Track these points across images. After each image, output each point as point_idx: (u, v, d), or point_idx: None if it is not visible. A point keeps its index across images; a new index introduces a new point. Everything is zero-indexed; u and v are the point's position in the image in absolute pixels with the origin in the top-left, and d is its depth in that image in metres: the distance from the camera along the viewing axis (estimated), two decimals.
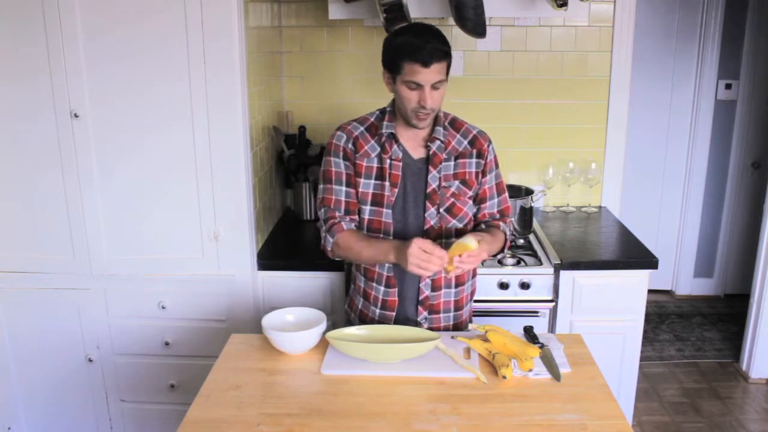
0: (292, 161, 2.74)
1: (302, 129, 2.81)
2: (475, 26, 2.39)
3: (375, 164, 1.87)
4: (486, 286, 2.36)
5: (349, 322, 2.03)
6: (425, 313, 1.91)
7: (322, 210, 1.89)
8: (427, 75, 1.72)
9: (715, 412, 3.08)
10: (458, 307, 1.94)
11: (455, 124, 1.93)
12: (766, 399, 3.19)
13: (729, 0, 3.82)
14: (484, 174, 1.92)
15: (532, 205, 2.65)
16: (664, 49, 3.94)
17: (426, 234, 1.86)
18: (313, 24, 2.84)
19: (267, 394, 1.60)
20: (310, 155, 2.77)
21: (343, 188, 1.88)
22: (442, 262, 1.69)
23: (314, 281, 2.37)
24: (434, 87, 1.74)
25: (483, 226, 1.96)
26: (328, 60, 2.89)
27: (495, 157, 1.96)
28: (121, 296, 2.34)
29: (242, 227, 2.27)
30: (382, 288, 1.90)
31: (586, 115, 2.94)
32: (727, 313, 4.08)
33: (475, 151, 1.91)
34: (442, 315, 1.93)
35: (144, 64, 2.11)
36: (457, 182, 1.88)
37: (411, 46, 1.71)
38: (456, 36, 2.80)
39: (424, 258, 1.67)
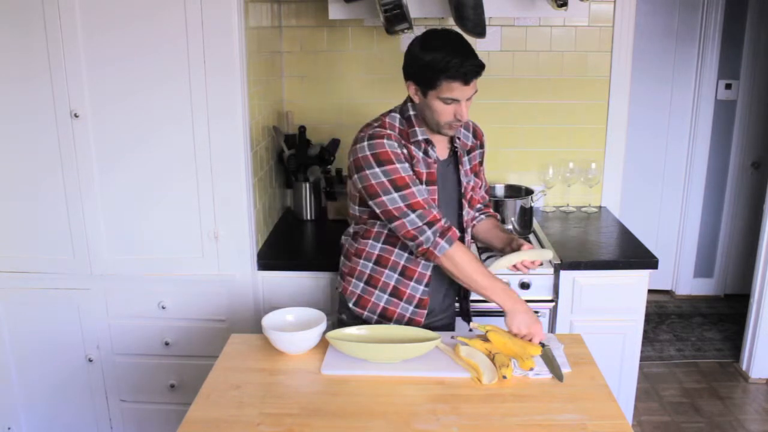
0: (292, 161, 2.74)
1: (302, 129, 2.81)
2: (475, 26, 2.39)
3: (424, 169, 1.84)
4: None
5: (360, 324, 1.94)
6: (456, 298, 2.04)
7: (414, 215, 1.74)
8: (466, 91, 1.74)
9: (715, 412, 3.08)
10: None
11: None
12: (766, 399, 3.19)
13: (729, 0, 3.82)
14: (481, 163, 2.04)
15: (532, 205, 2.65)
16: (664, 49, 3.94)
17: (466, 232, 1.96)
18: (313, 24, 2.84)
19: (267, 394, 1.60)
20: (310, 155, 2.77)
21: (423, 187, 1.80)
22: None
23: (314, 281, 2.37)
24: (468, 99, 1.77)
25: (482, 216, 2.08)
26: (328, 60, 2.89)
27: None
28: (121, 296, 2.34)
29: (242, 227, 2.27)
30: (421, 287, 1.90)
31: (586, 115, 2.94)
32: (727, 313, 4.08)
33: (478, 143, 2.01)
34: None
35: (144, 64, 2.11)
36: (472, 176, 1.99)
37: (451, 65, 1.69)
38: None
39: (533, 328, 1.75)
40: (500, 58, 2.88)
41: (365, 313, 1.96)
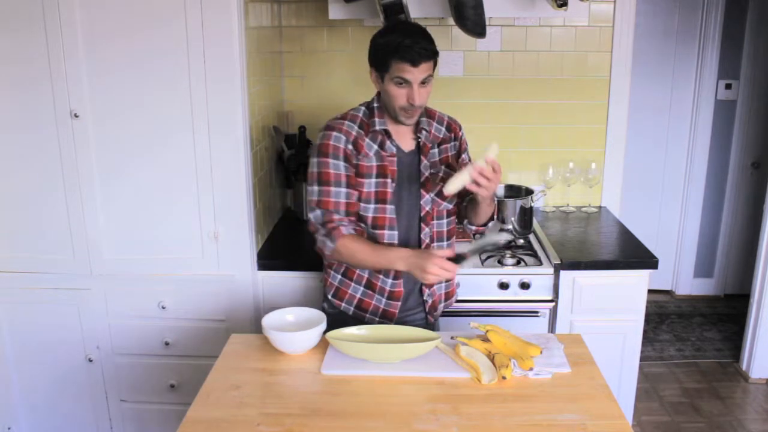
0: (292, 161, 2.74)
1: (302, 129, 2.81)
2: (475, 26, 2.39)
3: (375, 162, 1.90)
4: (486, 286, 2.36)
5: (338, 314, 1.99)
6: (427, 291, 2.00)
7: (319, 212, 1.87)
8: (416, 74, 1.77)
9: (715, 412, 3.08)
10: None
11: (429, 112, 2.01)
12: (766, 399, 3.19)
13: (729, 0, 3.82)
14: (459, 154, 2.04)
15: (532, 205, 2.65)
16: (664, 50, 3.94)
17: (423, 220, 1.95)
18: (313, 24, 2.84)
19: (267, 394, 1.60)
20: (310, 155, 2.76)
21: (343, 190, 1.87)
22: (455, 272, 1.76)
23: (314, 281, 2.37)
24: (423, 84, 1.80)
25: (469, 197, 2.03)
26: (328, 60, 2.89)
27: (465, 138, 2.08)
28: (121, 296, 2.34)
29: (242, 227, 2.27)
30: (389, 280, 1.94)
31: (586, 115, 2.94)
32: (727, 313, 4.07)
33: (452, 135, 2.02)
34: (436, 287, 2.02)
35: (144, 65, 2.11)
36: (443, 167, 1.98)
37: (400, 46, 1.75)
38: (456, 36, 2.80)
39: (444, 273, 1.73)
40: (500, 58, 2.88)
41: (343, 304, 2.00)
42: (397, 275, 1.93)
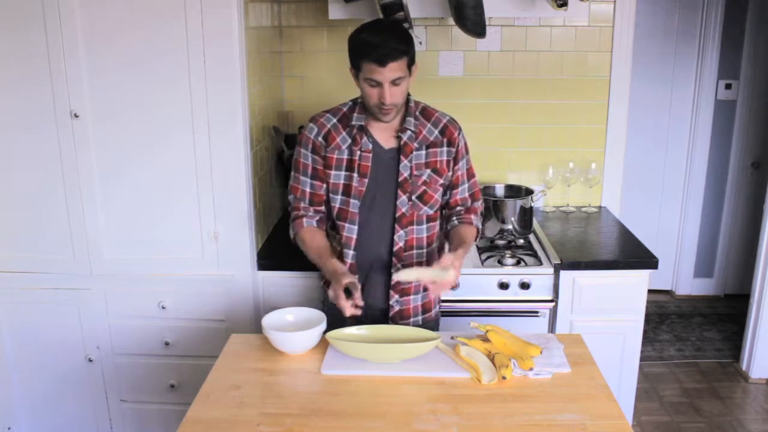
0: (292, 161, 2.73)
1: (302, 129, 2.80)
2: (475, 26, 2.39)
3: (345, 156, 1.92)
4: (486, 286, 2.36)
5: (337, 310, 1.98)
6: (396, 297, 1.97)
7: (291, 197, 2.02)
8: (384, 74, 1.75)
9: (715, 412, 3.08)
10: (426, 287, 1.93)
11: (426, 113, 1.97)
12: (766, 399, 3.19)
13: (729, 0, 3.82)
14: (456, 161, 1.98)
15: (532, 205, 2.65)
16: (664, 50, 3.93)
17: (397, 221, 1.93)
18: (313, 24, 2.84)
19: (267, 394, 1.60)
20: None
21: (309, 180, 1.97)
22: (347, 313, 1.77)
23: (314, 281, 2.37)
24: (394, 83, 1.78)
25: (455, 220, 2.00)
26: (328, 60, 2.89)
27: (465, 143, 2.01)
28: (121, 296, 2.34)
29: (242, 227, 2.28)
30: (350, 252, 1.95)
31: (586, 115, 2.94)
32: (727, 313, 4.07)
33: (445, 140, 1.96)
34: (411, 297, 2.00)
35: (144, 64, 2.11)
36: (428, 171, 1.94)
37: (368, 46, 1.75)
38: (456, 36, 2.80)
39: (334, 300, 1.78)
40: (500, 58, 2.88)
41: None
42: (351, 270, 1.92)
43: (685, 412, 3.09)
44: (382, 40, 1.73)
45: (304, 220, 1.97)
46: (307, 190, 1.98)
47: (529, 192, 2.70)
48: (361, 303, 1.78)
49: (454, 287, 2.09)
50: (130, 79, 2.13)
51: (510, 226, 2.60)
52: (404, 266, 1.93)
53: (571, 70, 2.89)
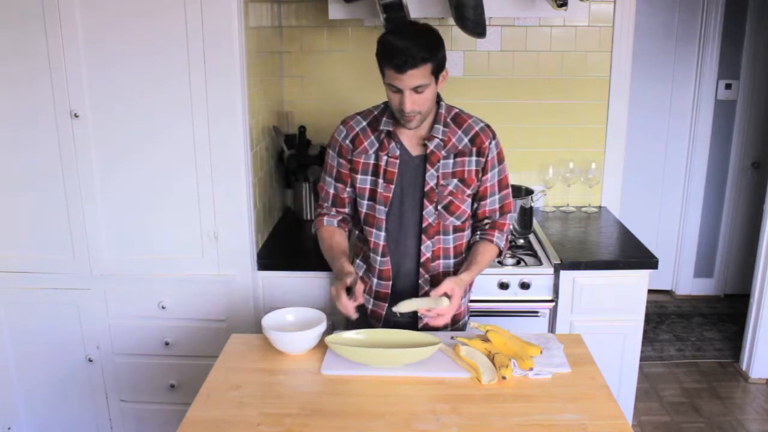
0: (292, 161, 2.74)
1: (302, 129, 2.81)
2: (475, 26, 2.39)
3: (372, 161, 1.89)
4: (486, 286, 2.36)
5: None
6: (426, 276, 1.93)
7: (321, 195, 2.02)
8: (404, 81, 1.70)
9: (715, 412, 3.08)
10: (456, 272, 1.91)
11: (458, 119, 1.90)
12: (766, 399, 3.19)
13: (729, 0, 3.82)
14: (484, 172, 1.89)
15: (532, 205, 2.65)
16: (664, 49, 3.93)
17: (424, 231, 1.88)
18: (313, 24, 2.84)
19: (267, 394, 1.60)
20: (310, 155, 2.77)
21: (333, 182, 1.97)
22: (346, 311, 1.78)
23: (314, 281, 2.37)
24: (417, 91, 1.72)
25: (478, 235, 1.95)
26: (328, 60, 2.89)
27: (499, 152, 1.92)
28: (121, 296, 2.34)
29: (242, 227, 2.27)
30: (378, 258, 1.93)
31: (586, 115, 2.94)
32: (727, 313, 4.08)
33: (475, 149, 1.88)
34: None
35: (144, 64, 2.11)
36: (455, 180, 1.87)
37: (389, 51, 1.69)
38: (456, 36, 2.80)
39: (334, 299, 1.79)
40: (500, 58, 2.88)
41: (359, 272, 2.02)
42: (384, 252, 1.91)
43: (685, 412, 3.09)
44: (404, 47, 1.66)
45: (325, 218, 1.98)
46: (331, 191, 1.98)
47: (529, 192, 2.71)
48: (361, 300, 1.78)
49: (457, 319, 2.00)
50: (129, 79, 2.13)
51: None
52: (431, 277, 1.92)
53: (571, 70, 2.89)
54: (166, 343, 2.38)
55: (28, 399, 2.48)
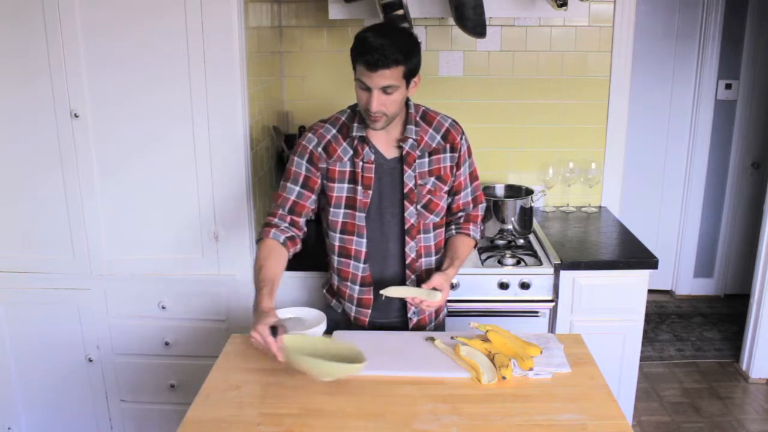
0: None
1: (302, 129, 2.81)
2: (475, 26, 2.39)
3: (348, 168, 1.86)
4: (486, 286, 2.36)
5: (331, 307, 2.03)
6: (414, 308, 1.95)
7: (273, 204, 1.93)
8: (374, 79, 1.69)
9: (715, 412, 3.08)
10: (438, 268, 1.94)
11: (427, 117, 1.91)
12: (766, 399, 3.19)
13: (729, 0, 3.82)
14: (458, 166, 1.92)
15: (532, 205, 2.65)
16: (664, 49, 3.94)
17: (407, 233, 1.89)
18: (313, 24, 2.84)
19: (267, 394, 1.60)
20: None
21: (297, 188, 1.88)
22: (272, 351, 1.58)
23: (314, 281, 2.37)
24: (385, 91, 1.71)
25: (453, 230, 1.99)
26: (328, 60, 2.89)
27: (468, 146, 1.95)
28: (121, 296, 2.34)
29: (242, 227, 2.28)
30: (360, 264, 1.92)
31: (586, 115, 2.94)
32: (727, 313, 4.08)
33: (448, 146, 1.90)
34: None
35: (144, 65, 2.11)
36: (432, 178, 1.89)
37: (364, 47, 1.68)
38: (456, 36, 2.80)
39: (256, 340, 1.60)
40: (500, 58, 2.88)
41: (333, 300, 2.04)
42: (366, 282, 1.92)
43: (685, 412, 3.09)
44: (379, 45, 1.64)
45: (272, 231, 1.85)
46: (292, 198, 1.87)
47: (529, 192, 2.70)
48: (281, 343, 1.58)
49: (439, 312, 2.04)
50: (129, 79, 2.13)
51: (510, 226, 2.60)
52: (416, 277, 1.93)
53: (571, 70, 2.89)
54: (166, 343, 2.38)
55: (28, 399, 2.48)
